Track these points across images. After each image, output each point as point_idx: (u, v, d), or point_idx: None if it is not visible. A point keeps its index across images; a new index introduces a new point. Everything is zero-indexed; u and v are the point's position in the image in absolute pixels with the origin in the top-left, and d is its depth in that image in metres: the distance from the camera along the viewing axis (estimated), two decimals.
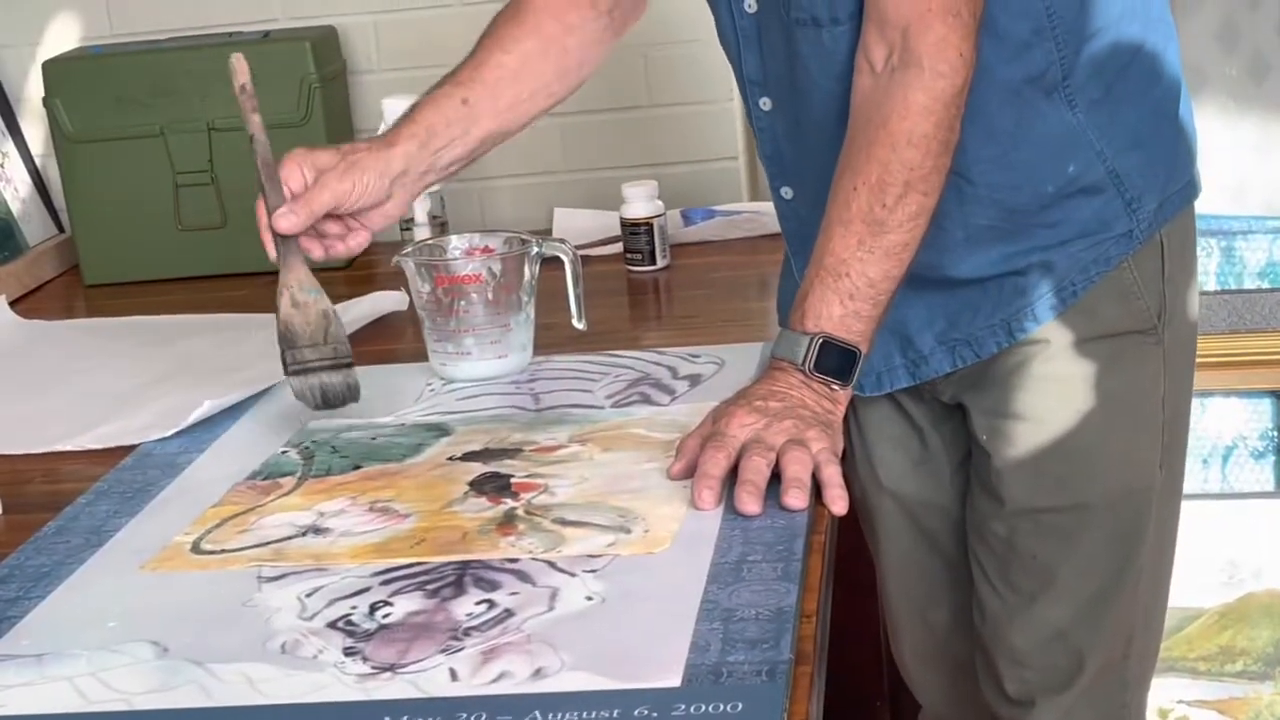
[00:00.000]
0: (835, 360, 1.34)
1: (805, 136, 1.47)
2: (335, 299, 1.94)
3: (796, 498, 1.24)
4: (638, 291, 1.99)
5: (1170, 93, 1.49)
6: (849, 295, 1.34)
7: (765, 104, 1.50)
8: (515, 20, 1.60)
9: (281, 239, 1.48)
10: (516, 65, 1.59)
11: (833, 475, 1.27)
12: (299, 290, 1.49)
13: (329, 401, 1.49)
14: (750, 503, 1.23)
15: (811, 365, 1.33)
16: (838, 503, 1.26)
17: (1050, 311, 1.46)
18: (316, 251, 1.52)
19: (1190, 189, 1.52)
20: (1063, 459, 1.49)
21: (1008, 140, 1.42)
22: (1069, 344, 1.47)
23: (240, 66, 1.49)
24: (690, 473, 1.29)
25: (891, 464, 1.62)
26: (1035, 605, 1.53)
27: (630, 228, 2.01)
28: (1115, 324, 1.47)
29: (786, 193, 1.54)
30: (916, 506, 1.63)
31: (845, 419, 1.37)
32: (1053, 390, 1.48)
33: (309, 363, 1.49)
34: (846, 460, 1.40)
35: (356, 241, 1.54)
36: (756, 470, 1.25)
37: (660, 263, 2.01)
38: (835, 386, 1.34)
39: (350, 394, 1.50)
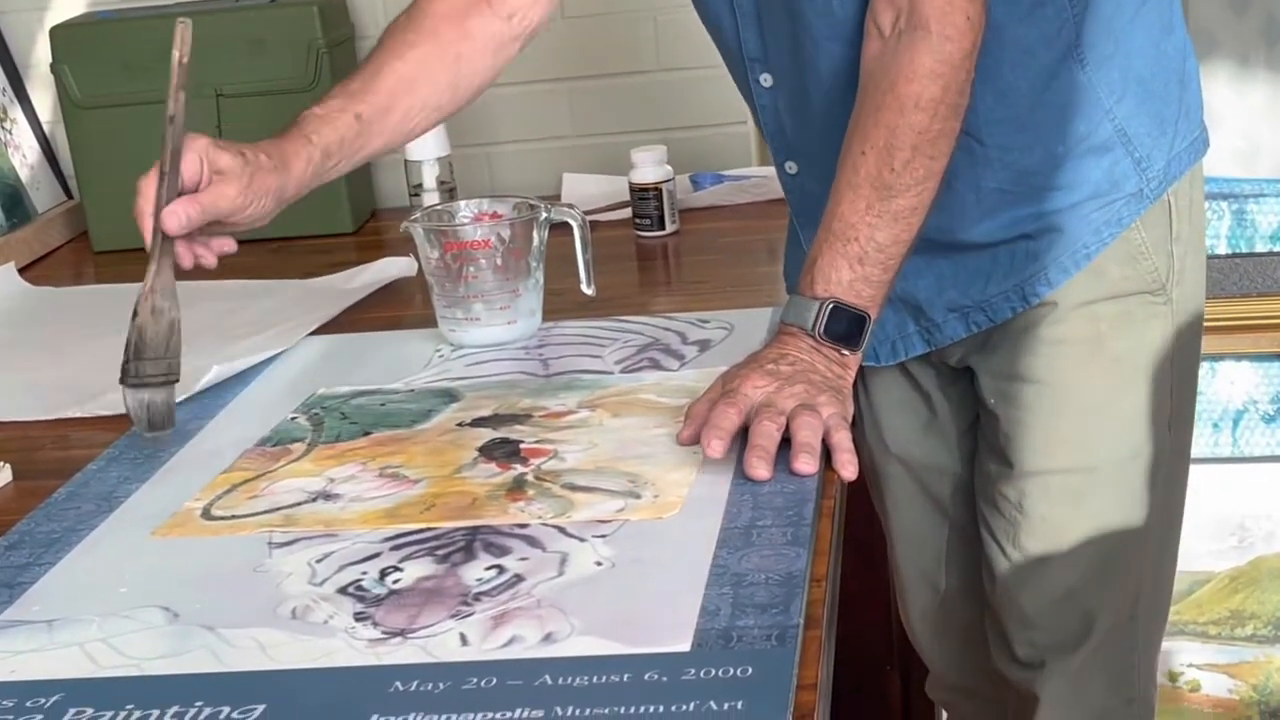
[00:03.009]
0: (845, 325, 1.33)
1: (809, 109, 1.47)
2: (344, 266, 1.96)
3: (806, 463, 1.23)
4: (646, 257, 1.98)
5: (1176, 47, 1.48)
6: (858, 260, 1.33)
7: (766, 80, 1.49)
8: (412, 26, 1.56)
9: (162, 234, 1.38)
10: (412, 74, 1.55)
11: (842, 440, 1.27)
12: (162, 296, 1.40)
13: (153, 424, 1.40)
14: (760, 468, 1.23)
15: (821, 330, 1.33)
16: (847, 468, 1.25)
17: (1063, 274, 1.46)
18: (186, 260, 1.42)
19: (1199, 144, 1.51)
20: (1071, 421, 1.49)
21: (1021, 101, 1.41)
22: (1077, 306, 1.47)
23: (184, 36, 1.40)
24: (699, 439, 1.29)
25: (899, 429, 1.62)
26: (1045, 567, 1.53)
27: (639, 193, 2.01)
28: (1123, 285, 1.47)
29: (791, 167, 1.53)
30: (924, 471, 1.63)
31: (853, 384, 1.37)
32: (1061, 352, 1.48)
33: (148, 377, 1.40)
34: (854, 425, 1.40)
35: (223, 251, 1.46)
36: (767, 435, 1.25)
37: (669, 228, 2.01)
38: (845, 352, 1.34)
39: (169, 419, 1.41)
